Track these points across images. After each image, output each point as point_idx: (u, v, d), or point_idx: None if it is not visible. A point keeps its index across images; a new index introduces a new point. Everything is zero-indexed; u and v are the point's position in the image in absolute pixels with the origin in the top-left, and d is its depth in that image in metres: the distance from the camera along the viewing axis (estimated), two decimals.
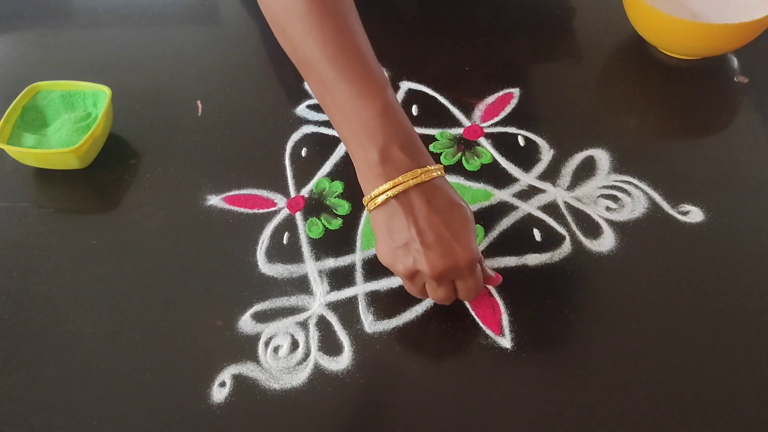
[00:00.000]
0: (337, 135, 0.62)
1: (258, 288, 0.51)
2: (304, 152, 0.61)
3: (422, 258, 0.43)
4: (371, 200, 0.44)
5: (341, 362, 0.47)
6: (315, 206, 0.57)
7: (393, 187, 0.43)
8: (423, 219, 0.43)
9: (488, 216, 0.55)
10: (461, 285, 0.45)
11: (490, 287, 0.50)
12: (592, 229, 0.53)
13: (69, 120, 0.60)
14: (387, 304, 0.50)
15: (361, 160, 0.45)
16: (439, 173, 0.44)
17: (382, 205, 0.44)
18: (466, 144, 0.60)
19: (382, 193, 0.43)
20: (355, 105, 0.44)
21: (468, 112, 0.63)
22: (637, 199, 0.55)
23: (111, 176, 0.60)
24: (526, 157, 0.59)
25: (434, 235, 0.43)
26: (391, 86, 0.46)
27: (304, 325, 0.49)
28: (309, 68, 0.46)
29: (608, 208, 0.54)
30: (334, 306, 0.50)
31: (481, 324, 0.48)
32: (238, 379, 0.46)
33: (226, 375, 0.47)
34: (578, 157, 0.58)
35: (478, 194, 0.56)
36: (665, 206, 0.54)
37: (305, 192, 0.58)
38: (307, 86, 0.67)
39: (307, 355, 0.48)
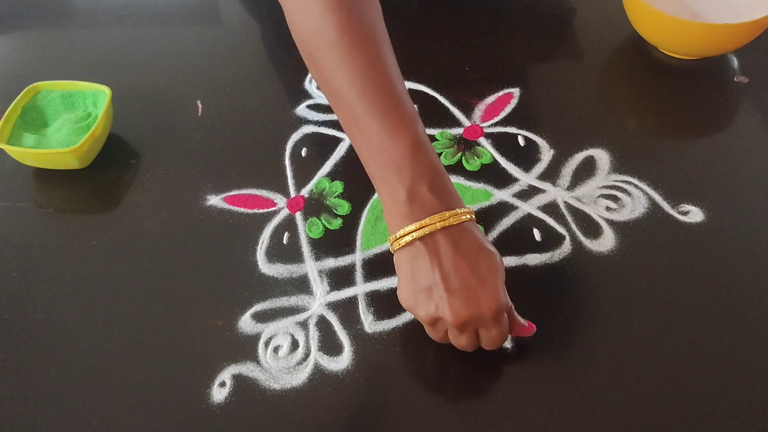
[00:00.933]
0: (337, 135, 0.62)
1: (258, 288, 0.51)
2: (304, 152, 0.61)
3: (445, 305, 0.41)
4: (396, 240, 0.43)
5: (341, 362, 0.47)
6: (315, 206, 0.57)
7: (419, 228, 0.41)
8: (448, 263, 0.41)
9: (488, 216, 0.55)
10: (484, 334, 0.43)
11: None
12: (592, 229, 0.53)
13: (69, 120, 0.60)
14: (387, 304, 0.50)
15: (388, 197, 0.43)
16: (468, 217, 0.43)
17: (406, 246, 0.42)
18: (466, 144, 0.60)
19: (408, 234, 0.42)
20: (383, 140, 0.42)
21: (468, 112, 0.63)
22: (637, 199, 0.55)
23: (111, 176, 0.60)
24: (526, 157, 0.59)
25: (459, 281, 0.41)
26: (421, 121, 0.44)
27: (304, 325, 0.49)
28: (338, 99, 0.45)
29: (608, 208, 0.54)
30: (334, 306, 0.50)
31: None
32: (238, 379, 0.46)
33: (226, 375, 0.47)
34: (578, 157, 0.58)
35: (478, 194, 0.56)
36: (665, 206, 0.54)
37: (305, 192, 0.58)
38: (307, 86, 0.67)
39: (307, 355, 0.48)
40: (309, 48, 0.45)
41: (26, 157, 0.58)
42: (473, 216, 0.44)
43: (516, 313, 0.45)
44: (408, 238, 0.42)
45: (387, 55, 0.45)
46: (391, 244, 0.44)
